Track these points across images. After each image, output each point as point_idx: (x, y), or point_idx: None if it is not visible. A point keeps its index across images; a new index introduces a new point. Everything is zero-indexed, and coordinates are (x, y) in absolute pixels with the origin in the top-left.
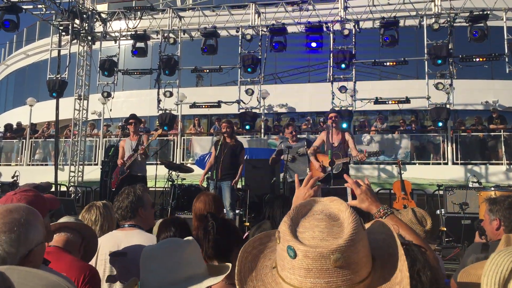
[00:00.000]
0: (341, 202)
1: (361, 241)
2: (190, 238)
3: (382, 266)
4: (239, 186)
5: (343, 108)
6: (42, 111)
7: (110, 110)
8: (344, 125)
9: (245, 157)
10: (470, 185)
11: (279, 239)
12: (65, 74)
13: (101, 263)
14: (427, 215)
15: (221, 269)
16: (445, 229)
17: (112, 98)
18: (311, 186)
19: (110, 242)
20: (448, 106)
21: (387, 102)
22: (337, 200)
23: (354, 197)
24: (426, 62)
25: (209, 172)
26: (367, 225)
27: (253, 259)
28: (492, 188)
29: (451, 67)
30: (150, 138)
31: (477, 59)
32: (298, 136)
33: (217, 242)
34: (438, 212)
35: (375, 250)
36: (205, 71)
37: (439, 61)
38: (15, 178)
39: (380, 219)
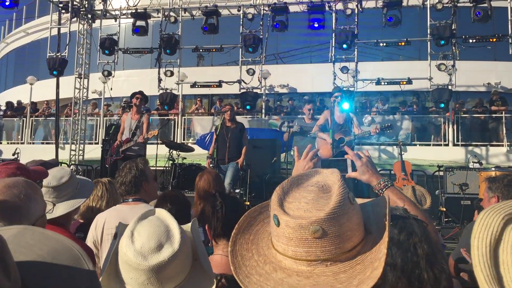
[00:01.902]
0: (338, 174)
1: (345, 215)
2: (176, 247)
3: (375, 241)
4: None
5: (344, 89)
6: (42, 90)
7: (111, 89)
8: (347, 105)
9: (247, 138)
10: (471, 166)
11: (270, 207)
12: (65, 53)
13: (107, 238)
14: (427, 193)
15: (204, 277)
16: (444, 209)
17: (113, 77)
18: (311, 158)
19: (115, 217)
20: (450, 87)
21: (388, 83)
22: (336, 173)
23: (354, 169)
24: (429, 42)
25: (215, 155)
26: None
27: (256, 224)
28: (493, 169)
29: (454, 48)
30: (149, 128)
31: (480, 40)
32: (315, 116)
33: (226, 221)
34: (437, 192)
35: (375, 224)
36: (212, 50)
37: (442, 42)
38: (15, 156)
39: (386, 193)
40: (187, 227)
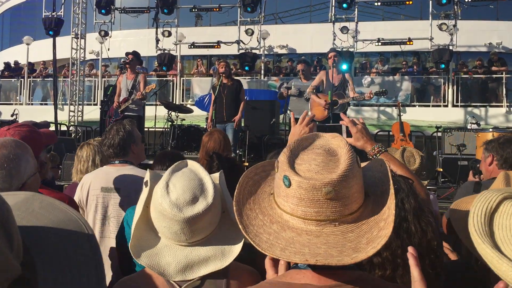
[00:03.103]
0: (342, 138)
1: (354, 177)
2: (210, 200)
3: (374, 203)
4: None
5: (344, 49)
6: (39, 50)
7: (108, 49)
8: (344, 66)
9: (245, 96)
10: (469, 127)
11: (277, 168)
12: (61, 12)
13: (93, 199)
14: (417, 154)
15: (233, 229)
16: (441, 170)
17: (110, 37)
18: (307, 123)
19: (101, 178)
20: (451, 47)
21: (388, 44)
22: (338, 137)
23: (349, 135)
24: (430, 1)
25: (214, 117)
26: (366, 163)
27: (254, 184)
28: (490, 130)
29: (455, 7)
30: (146, 86)
31: None
32: (310, 75)
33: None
34: (435, 153)
35: (370, 187)
36: (210, 10)
37: (444, 1)
38: (14, 117)
39: (380, 158)
40: (215, 178)
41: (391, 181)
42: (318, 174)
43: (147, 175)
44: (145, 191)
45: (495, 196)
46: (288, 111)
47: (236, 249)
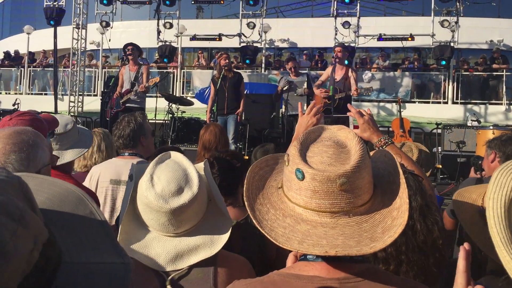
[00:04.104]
0: (349, 130)
1: (366, 168)
2: (195, 190)
3: (382, 193)
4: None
5: (345, 44)
6: (40, 40)
7: (109, 40)
8: (345, 62)
9: (245, 91)
10: (469, 124)
11: (288, 161)
12: (62, 2)
13: (102, 191)
14: (415, 148)
15: (220, 217)
16: (440, 166)
17: (111, 28)
18: (314, 114)
19: (110, 170)
20: (452, 44)
21: (390, 39)
22: (344, 129)
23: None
24: None
25: (214, 107)
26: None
27: (260, 179)
28: (491, 127)
29: (458, 3)
30: (149, 78)
31: None
32: (299, 71)
33: (221, 186)
34: (434, 150)
35: (376, 178)
36: (212, 2)
37: None
38: (15, 106)
39: (386, 149)
40: (200, 168)
41: (400, 171)
42: (331, 166)
43: (131, 169)
44: (130, 185)
45: (509, 181)
46: (289, 106)
47: (225, 236)
